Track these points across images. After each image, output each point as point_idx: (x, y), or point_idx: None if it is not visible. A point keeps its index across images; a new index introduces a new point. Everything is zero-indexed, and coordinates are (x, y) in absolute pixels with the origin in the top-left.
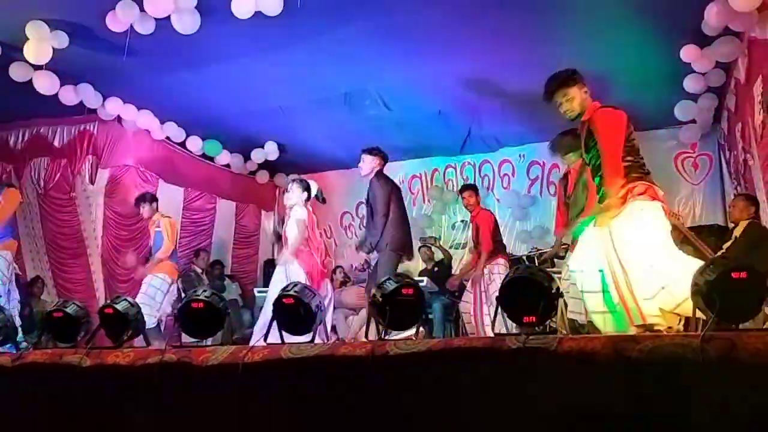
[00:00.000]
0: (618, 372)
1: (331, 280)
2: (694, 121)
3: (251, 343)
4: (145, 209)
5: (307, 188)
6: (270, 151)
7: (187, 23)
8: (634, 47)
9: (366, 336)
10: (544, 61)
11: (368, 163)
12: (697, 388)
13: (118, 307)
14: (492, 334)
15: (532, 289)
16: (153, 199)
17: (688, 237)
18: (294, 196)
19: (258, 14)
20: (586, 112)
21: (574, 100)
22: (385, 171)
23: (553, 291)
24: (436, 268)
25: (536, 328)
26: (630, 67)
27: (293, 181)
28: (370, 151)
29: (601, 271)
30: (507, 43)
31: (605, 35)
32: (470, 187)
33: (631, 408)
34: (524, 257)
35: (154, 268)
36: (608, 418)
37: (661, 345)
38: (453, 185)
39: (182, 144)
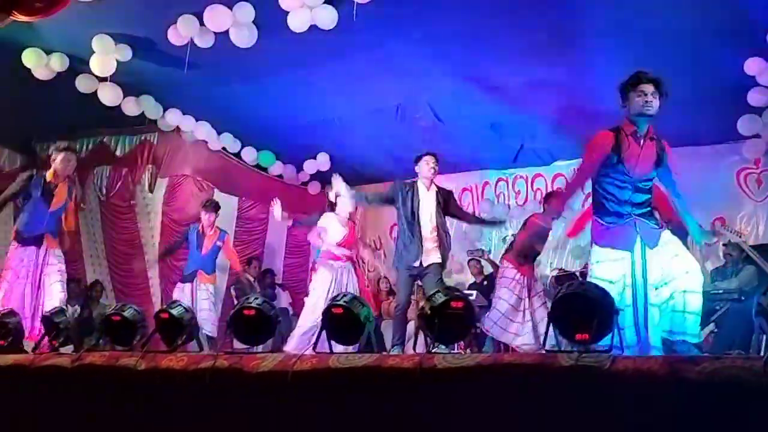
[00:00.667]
0: (675, 393)
1: (378, 291)
2: (758, 136)
3: (287, 346)
4: (209, 217)
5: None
6: (322, 162)
7: (244, 37)
8: (696, 60)
9: (414, 348)
10: (599, 75)
11: (432, 166)
12: (758, 411)
13: (174, 312)
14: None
15: (585, 305)
16: (217, 208)
17: (750, 255)
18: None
19: (313, 27)
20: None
21: (657, 99)
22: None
23: (609, 308)
24: (485, 282)
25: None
26: (692, 80)
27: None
28: (432, 154)
29: None
30: (561, 56)
31: (666, 48)
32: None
33: (687, 431)
34: (577, 273)
35: (206, 278)
36: None
37: (721, 367)
38: (504, 198)
39: (237, 154)
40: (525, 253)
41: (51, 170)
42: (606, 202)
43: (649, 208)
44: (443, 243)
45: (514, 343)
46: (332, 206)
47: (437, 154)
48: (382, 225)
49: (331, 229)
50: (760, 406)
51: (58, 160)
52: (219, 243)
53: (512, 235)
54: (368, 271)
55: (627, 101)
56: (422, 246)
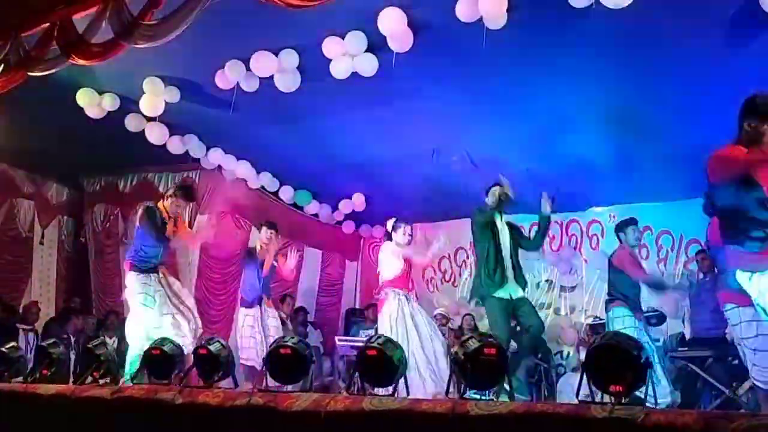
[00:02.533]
0: None
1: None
2: None
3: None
4: (267, 234)
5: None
6: (357, 202)
7: (288, 82)
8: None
9: (447, 393)
10: (633, 122)
11: (497, 197)
12: None
13: (211, 348)
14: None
15: (619, 357)
16: (276, 228)
17: None
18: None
19: (354, 74)
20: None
21: None
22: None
23: (642, 360)
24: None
25: (623, 399)
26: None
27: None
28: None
29: None
30: (595, 103)
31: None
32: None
33: None
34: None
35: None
36: None
37: (757, 425)
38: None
39: (275, 193)
40: (631, 293)
41: (162, 204)
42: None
43: None
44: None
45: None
46: (389, 236)
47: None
48: (414, 267)
49: (387, 260)
50: None
51: (168, 201)
52: (275, 262)
53: (546, 281)
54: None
55: (753, 126)
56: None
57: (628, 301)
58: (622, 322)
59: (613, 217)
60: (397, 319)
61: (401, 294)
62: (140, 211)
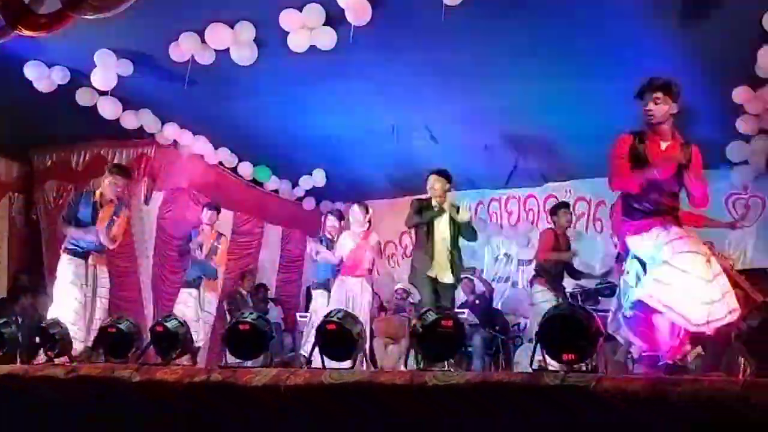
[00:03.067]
0: (657, 414)
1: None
2: (746, 162)
3: None
4: (209, 215)
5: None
6: (317, 178)
7: (245, 55)
8: (686, 87)
9: (405, 365)
10: (591, 98)
11: (441, 185)
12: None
13: (169, 325)
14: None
15: (572, 326)
16: (218, 209)
17: (737, 281)
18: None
19: (312, 48)
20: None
21: (659, 106)
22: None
23: (594, 330)
24: (477, 301)
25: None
26: (681, 107)
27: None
28: (441, 173)
29: None
30: (554, 79)
31: (656, 73)
32: (567, 205)
33: None
34: (568, 293)
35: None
36: None
37: (701, 389)
38: (497, 218)
39: (234, 169)
40: (553, 270)
41: (99, 190)
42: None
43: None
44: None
45: None
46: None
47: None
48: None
49: (346, 247)
50: (737, 426)
51: (106, 182)
52: (217, 244)
53: (504, 254)
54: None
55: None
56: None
57: (548, 278)
58: (542, 296)
59: (569, 192)
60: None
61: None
62: (78, 194)
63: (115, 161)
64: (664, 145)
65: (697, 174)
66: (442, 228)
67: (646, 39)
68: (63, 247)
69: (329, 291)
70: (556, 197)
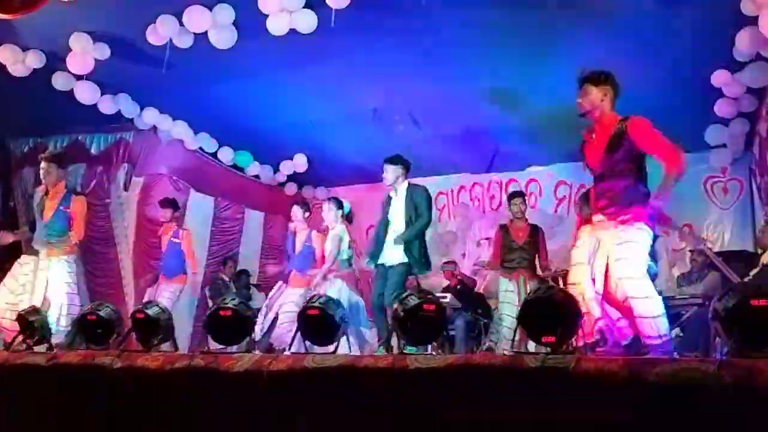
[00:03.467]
0: (634, 394)
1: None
2: (724, 146)
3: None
4: (167, 213)
5: (341, 206)
6: (299, 163)
7: (223, 38)
8: (664, 70)
9: (387, 349)
10: (571, 81)
11: (392, 173)
12: (713, 413)
13: (150, 312)
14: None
15: (552, 309)
16: (177, 207)
17: (714, 262)
18: (331, 215)
19: (292, 31)
20: (599, 117)
21: (587, 97)
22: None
23: (573, 312)
24: (458, 286)
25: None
26: (660, 90)
27: (328, 200)
28: (392, 160)
29: None
30: (534, 62)
31: (636, 57)
32: (520, 194)
33: (646, 430)
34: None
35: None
36: None
37: (678, 369)
38: (479, 203)
39: (214, 154)
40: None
41: (43, 183)
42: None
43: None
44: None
45: None
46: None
47: (398, 159)
48: (358, 227)
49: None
50: (714, 406)
51: (41, 173)
52: (175, 239)
53: (485, 239)
54: None
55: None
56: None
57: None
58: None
59: (551, 176)
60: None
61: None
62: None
63: (93, 147)
64: (593, 136)
65: (648, 139)
66: (395, 214)
67: (623, 20)
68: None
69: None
70: (538, 181)
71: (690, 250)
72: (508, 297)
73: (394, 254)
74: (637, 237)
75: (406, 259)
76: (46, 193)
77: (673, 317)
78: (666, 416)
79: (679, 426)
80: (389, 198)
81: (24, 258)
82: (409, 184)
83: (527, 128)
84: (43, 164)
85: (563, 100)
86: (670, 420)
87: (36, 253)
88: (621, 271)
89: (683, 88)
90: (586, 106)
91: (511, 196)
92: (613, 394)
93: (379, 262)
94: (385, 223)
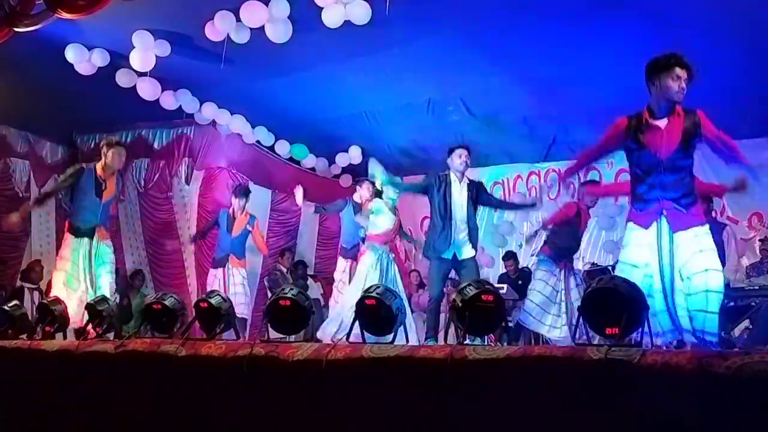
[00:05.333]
0: (703, 388)
1: (409, 284)
2: None
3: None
4: (240, 203)
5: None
6: (354, 155)
7: (280, 32)
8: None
9: (445, 340)
10: (630, 68)
11: (464, 157)
12: None
13: (212, 301)
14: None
15: (615, 300)
16: (248, 193)
17: None
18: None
19: (346, 23)
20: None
21: (679, 81)
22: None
23: (638, 303)
24: (517, 275)
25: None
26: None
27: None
28: (463, 146)
29: None
30: (593, 50)
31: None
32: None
33: (715, 426)
34: (609, 267)
35: (237, 263)
36: None
37: (750, 363)
38: (536, 192)
39: (271, 147)
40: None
41: (101, 163)
42: (637, 188)
43: (683, 190)
44: (473, 237)
45: (548, 335)
46: (379, 193)
47: (469, 147)
48: (414, 217)
49: (380, 215)
50: None
51: (108, 155)
52: (249, 227)
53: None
54: (405, 260)
55: (656, 82)
56: (454, 238)
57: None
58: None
59: (611, 164)
60: (371, 273)
61: (380, 248)
62: (69, 171)
63: (156, 142)
64: (663, 123)
65: (715, 133)
66: (459, 204)
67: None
68: (67, 225)
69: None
70: (597, 170)
71: (760, 240)
72: (544, 276)
73: (467, 248)
74: (708, 230)
75: (474, 252)
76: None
77: (742, 309)
78: (736, 410)
79: (749, 420)
80: (447, 186)
81: (73, 240)
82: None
83: (585, 116)
84: (114, 148)
85: (622, 88)
86: (740, 414)
87: (83, 235)
88: (704, 263)
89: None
90: (680, 92)
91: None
92: (680, 388)
93: (446, 256)
94: (449, 214)
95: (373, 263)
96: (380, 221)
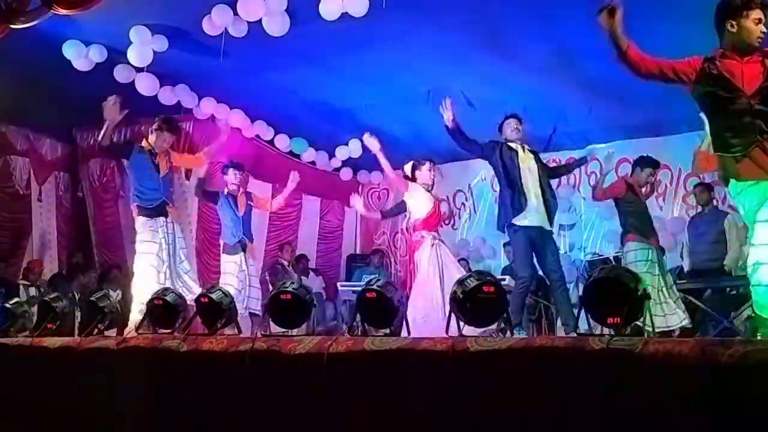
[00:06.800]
0: (705, 377)
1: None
2: None
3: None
4: (232, 176)
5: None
6: (353, 149)
7: (277, 25)
8: None
9: (446, 331)
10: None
11: (518, 126)
12: None
13: (213, 296)
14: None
15: (617, 290)
16: (240, 167)
17: None
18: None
19: (344, 15)
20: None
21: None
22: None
23: (640, 293)
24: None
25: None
26: None
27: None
28: (515, 115)
29: None
30: (593, 36)
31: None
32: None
33: (718, 414)
34: (611, 257)
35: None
36: (693, 423)
37: (753, 351)
38: None
39: (270, 142)
40: (638, 222)
41: (146, 143)
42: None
43: None
44: (550, 209)
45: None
46: (412, 178)
47: (520, 117)
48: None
49: (418, 201)
50: None
51: (153, 137)
52: (251, 203)
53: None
54: None
55: (734, 22)
56: (529, 206)
57: (639, 232)
58: (635, 255)
59: (612, 153)
60: (431, 263)
61: (434, 237)
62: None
63: None
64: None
65: None
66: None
67: None
68: (135, 209)
69: None
70: (598, 159)
71: None
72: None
73: (545, 221)
74: None
75: (551, 228)
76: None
77: (745, 297)
78: (740, 398)
79: (753, 409)
80: (512, 155)
81: (147, 221)
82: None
83: (586, 104)
84: (158, 133)
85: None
86: (744, 403)
87: (157, 214)
88: None
89: None
90: (761, 37)
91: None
92: (682, 377)
93: (526, 224)
94: (520, 184)
95: (428, 252)
96: (419, 206)
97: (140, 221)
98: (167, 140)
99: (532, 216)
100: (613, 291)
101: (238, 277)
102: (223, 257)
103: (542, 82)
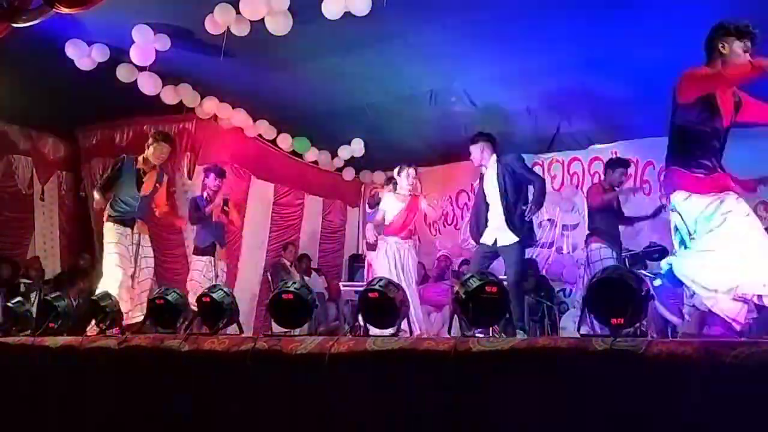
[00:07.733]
0: (710, 378)
1: None
2: None
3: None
4: (213, 180)
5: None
6: (356, 148)
7: (280, 24)
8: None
9: (449, 332)
10: (633, 59)
11: (476, 150)
12: None
13: (215, 296)
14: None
15: (620, 290)
16: (222, 173)
17: None
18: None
19: (347, 14)
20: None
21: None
22: (471, 168)
23: (643, 293)
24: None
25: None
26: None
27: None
28: (473, 139)
29: None
30: (597, 39)
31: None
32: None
33: (722, 415)
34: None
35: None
36: (697, 425)
37: (757, 352)
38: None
39: (273, 141)
40: (605, 226)
41: (142, 156)
42: None
43: None
44: (511, 221)
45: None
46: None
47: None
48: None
49: (387, 207)
50: None
51: (150, 149)
52: (225, 209)
53: (548, 220)
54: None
55: (725, 44)
56: (489, 222)
57: (603, 236)
58: (600, 253)
59: (615, 154)
60: (381, 266)
61: (397, 242)
62: (116, 162)
63: None
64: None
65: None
66: (490, 191)
67: None
68: (106, 215)
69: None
70: (601, 160)
71: (766, 228)
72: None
73: (506, 234)
74: None
75: (517, 238)
76: (143, 170)
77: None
78: (744, 400)
79: (757, 410)
80: (482, 176)
81: (116, 227)
82: (497, 156)
83: (589, 105)
84: (156, 144)
85: (627, 77)
86: (748, 404)
87: (125, 225)
88: None
89: None
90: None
91: (615, 165)
92: (686, 378)
93: (486, 242)
94: (484, 203)
95: (386, 256)
96: (388, 212)
97: (108, 226)
98: (166, 151)
99: (502, 235)
100: (615, 292)
101: (206, 276)
102: (193, 257)
103: (545, 83)
